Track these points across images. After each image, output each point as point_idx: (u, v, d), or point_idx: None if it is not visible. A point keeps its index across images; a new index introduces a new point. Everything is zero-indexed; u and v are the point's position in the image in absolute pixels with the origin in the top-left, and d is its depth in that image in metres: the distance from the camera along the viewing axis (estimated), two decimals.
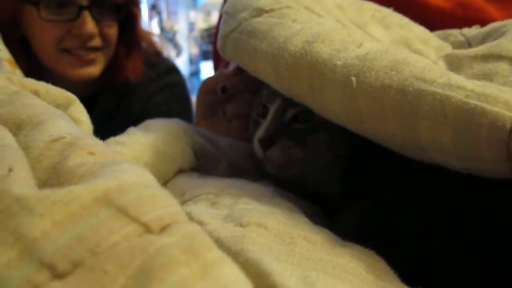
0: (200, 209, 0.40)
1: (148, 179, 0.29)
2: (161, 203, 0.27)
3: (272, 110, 0.51)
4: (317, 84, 0.41)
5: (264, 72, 0.47)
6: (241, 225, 0.36)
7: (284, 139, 0.49)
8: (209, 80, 0.67)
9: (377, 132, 0.40)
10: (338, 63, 0.40)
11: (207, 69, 4.29)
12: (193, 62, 4.59)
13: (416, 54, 0.41)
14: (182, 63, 4.38)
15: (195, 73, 4.54)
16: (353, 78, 0.38)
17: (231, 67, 0.71)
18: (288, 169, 0.49)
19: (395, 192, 0.43)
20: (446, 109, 0.34)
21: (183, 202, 0.44)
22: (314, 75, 0.41)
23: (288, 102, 0.49)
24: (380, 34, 0.55)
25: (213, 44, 1.00)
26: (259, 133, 0.50)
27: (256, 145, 0.51)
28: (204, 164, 0.58)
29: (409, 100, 0.36)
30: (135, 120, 0.63)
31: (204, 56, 4.45)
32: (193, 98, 1.10)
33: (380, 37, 0.55)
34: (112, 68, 1.03)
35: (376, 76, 0.37)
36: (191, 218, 0.37)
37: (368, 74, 0.38)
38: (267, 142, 0.49)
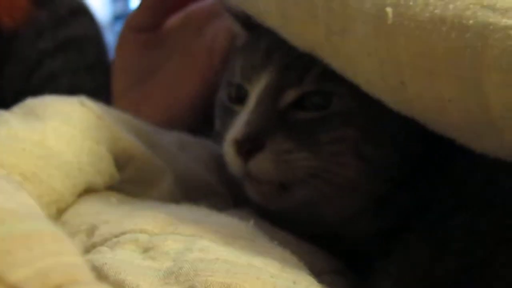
0: (121, 259, 0.28)
1: (24, 204, 0.24)
2: (45, 248, 0.20)
3: (256, 91, 0.35)
4: (338, 24, 0.32)
5: (266, 13, 0.35)
6: None
7: (280, 138, 0.32)
8: (138, 13, 0.48)
9: (424, 102, 0.30)
10: None
11: None
12: None
13: None
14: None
15: (122, 16, 2.88)
16: (389, 9, 0.30)
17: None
18: (289, 192, 0.33)
19: (479, 232, 0.30)
20: None
21: (91, 247, 0.30)
22: (333, 8, 0.32)
23: (286, 78, 0.34)
24: None
25: None
26: (235, 129, 0.33)
27: (229, 151, 0.34)
28: (133, 178, 0.39)
29: (469, 40, 0.27)
30: (10, 99, 0.43)
31: None
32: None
33: None
34: None
35: (423, 4, 0.29)
36: (103, 276, 0.25)
37: (411, 3, 0.30)
38: (251, 146, 0.32)
